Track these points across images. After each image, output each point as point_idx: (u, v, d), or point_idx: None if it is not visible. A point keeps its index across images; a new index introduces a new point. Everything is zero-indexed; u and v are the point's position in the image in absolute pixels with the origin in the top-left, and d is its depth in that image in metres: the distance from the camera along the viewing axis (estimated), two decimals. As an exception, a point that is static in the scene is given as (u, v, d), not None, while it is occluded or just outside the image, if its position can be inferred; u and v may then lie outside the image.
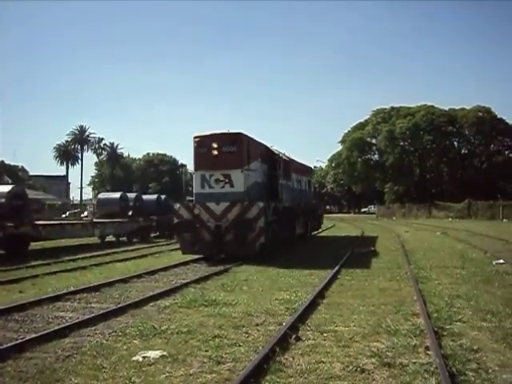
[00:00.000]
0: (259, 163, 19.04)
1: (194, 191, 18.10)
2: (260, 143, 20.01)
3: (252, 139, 18.83)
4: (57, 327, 7.39)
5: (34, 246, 21.21)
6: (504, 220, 56.47)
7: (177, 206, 18.06)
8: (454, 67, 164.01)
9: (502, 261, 14.99)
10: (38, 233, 20.49)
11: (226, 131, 17.99)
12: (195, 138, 17.99)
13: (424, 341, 6.48)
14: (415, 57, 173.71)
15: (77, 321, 7.80)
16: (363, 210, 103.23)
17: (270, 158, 20.49)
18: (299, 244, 22.49)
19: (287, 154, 23.38)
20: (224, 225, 16.74)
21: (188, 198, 21.05)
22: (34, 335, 6.92)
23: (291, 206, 22.22)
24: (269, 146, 21.01)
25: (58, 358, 6.06)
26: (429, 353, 5.99)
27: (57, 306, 9.32)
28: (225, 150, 17.37)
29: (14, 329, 7.61)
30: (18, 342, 6.59)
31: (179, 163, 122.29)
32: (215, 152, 17.39)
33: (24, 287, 11.66)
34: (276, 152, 21.54)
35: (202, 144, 17.70)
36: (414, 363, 5.65)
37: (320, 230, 33.77)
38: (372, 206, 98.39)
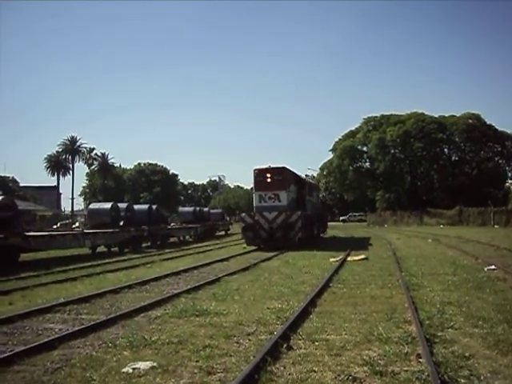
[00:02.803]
0: (294, 186, 28.81)
1: (254, 205, 27.17)
2: (294, 173, 30.23)
3: (290, 170, 28.70)
4: (46, 339, 7.29)
5: (24, 257, 21.10)
6: (495, 226, 56.75)
7: (242, 214, 28.04)
8: (444, 74, 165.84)
9: (493, 267, 15.02)
10: (29, 244, 20.35)
11: (275, 166, 27.17)
12: (255, 170, 27.44)
13: (416, 348, 6.44)
14: (405, 65, 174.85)
15: (66, 332, 7.70)
16: (342, 218, 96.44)
17: (299, 181, 31.02)
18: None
19: (303, 176, 35.47)
20: (275, 226, 25.88)
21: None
22: (22, 348, 6.82)
23: (311, 214, 31.97)
24: (299, 173, 31.70)
25: (46, 371, 5.98)
26: (421, 360, 5.96)
27: (46, 317, 9.22)
28: (275, 178, 26.66)
29: (3, 341, 7.50)
30: (5, 354, 6.48)
31: (170, 173, 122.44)
32: (269, 180, 26.74)
33: (14, 299, 11.54)
34: (303, 177, 33.76)
35: (260, 174, 27.11)
36: (406, 371, 5.62)
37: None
38: (354, 214, 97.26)
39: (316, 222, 34.37)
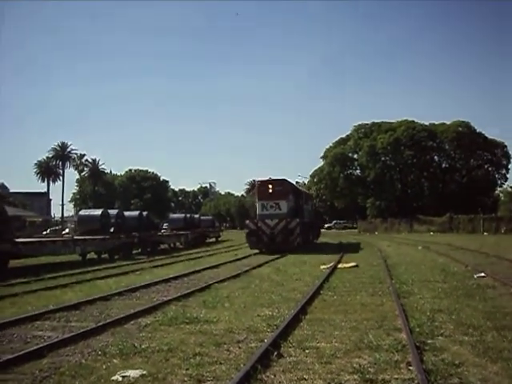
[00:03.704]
0: (292, 196, 30.99)
1: (258, 213, 29.84)
2: (293, 184, 34.42)
3: (290, 182, 32.15)
4: (35, 347, 7.22)
5: (13, 263, 20.94)
6: (485, 233, 57.01)
7: (247, 221, 30.49)
8: (434, 83, 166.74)
9: (483, 274, 15.07)
10: (18, 250, 20.21)
11: (276, 178, 30.43)
12: (258, 181, 31.53)
13: (406, 356, 6.45)
14: (396, 73, 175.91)
15: (56, 340, 7.63)
16: (327, 225, 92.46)
17: (297, 192, 33.85)
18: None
19: (300, 187, 43.69)
20: (276, 232, 28.52)
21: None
22: (10, 356, 6.75)
23: (307, 221, 34.94)
24: (296, 184, 36.69)
25: (34, 380, 5.93)
26: (411, 368, 5.97)
27: (36, 325, 9.14)
28: (276, 189, 29.50)
29: (-9, 349, 7.46)
30: (-7, 363, 6.42)
31: (161, 179, 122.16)
32: (270, 190, 29.53)
33: (2, 306, 11.44)
34: (300, 188, 39.80)
35: (263, 186, 30.18)
36: (396, 379, 5.63)
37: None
38: (338, 221, 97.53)
39: (311, 229, 38.05)
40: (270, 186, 29.67)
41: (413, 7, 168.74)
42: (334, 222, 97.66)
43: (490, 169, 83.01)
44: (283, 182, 30.54)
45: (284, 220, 28.63)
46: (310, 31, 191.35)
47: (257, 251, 28.89)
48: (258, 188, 30.84)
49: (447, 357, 6.48)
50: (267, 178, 30.70)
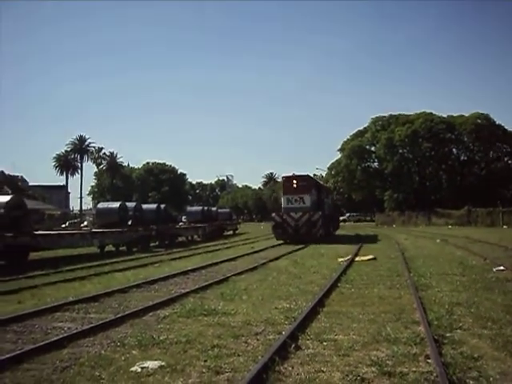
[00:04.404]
0: (315, 190, 33.02)
1: (283, 206, 31.61)
2: (314, 179, 37.41)
3: (312, 178, 35.93)
4: (55, 338, 7.32)
5: (33, 256, 21.16)
6: (504, 226, 56.44)
7: (273, 214, 32.29)
8: (453, 74, 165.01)
9: (502, 267, 14.93)
10: (37, 243, 20.44)
11: (300, 174, 32.34)
12: (283, 177, 33.66)
13: (424, 349, 6.43)
14: (414, 65, 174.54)
15: (75, 331, 7.73)
16: (341, 218, 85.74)
17: (318, 186, 35.98)
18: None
19: (322, 182, 49.92)
20: (300, 224, 30.31)
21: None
22: (31, 346, 6.85)
23: (328, 214, 37.03)
24: (317, 179, 41.87)
25: (55, 370, 6.01)
26: (429, 361, 5.95)
27: (55, 316, 9.26)
28: (300, 184, 31.22)
29: (13, 340, 7.56)
30: (15, 353, 6.51)
31: (179, 172, 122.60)
32: (295, 185, 31.26)
33: (23, 298, 11.58)
34: (321, 183, 42.40)
35: (288, 181, 32.04)
36: (415, 372, 5.61)
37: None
38: (352, 214, 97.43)
39: (331, 221, 40.67)
40: (295, 182, 31.47)
41: (430, 8, 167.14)
42: (348, 214, 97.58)
43: (509, 161, 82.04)
44: (307, 178, 32.75)
45: (308, 213, 30.35)
46: (311, 27, 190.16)
47: (274, 244, 29.42)
48: (284, 183, 32.88)
49: (466, 350, 6.45)
50: (291, 174, 32.55)
